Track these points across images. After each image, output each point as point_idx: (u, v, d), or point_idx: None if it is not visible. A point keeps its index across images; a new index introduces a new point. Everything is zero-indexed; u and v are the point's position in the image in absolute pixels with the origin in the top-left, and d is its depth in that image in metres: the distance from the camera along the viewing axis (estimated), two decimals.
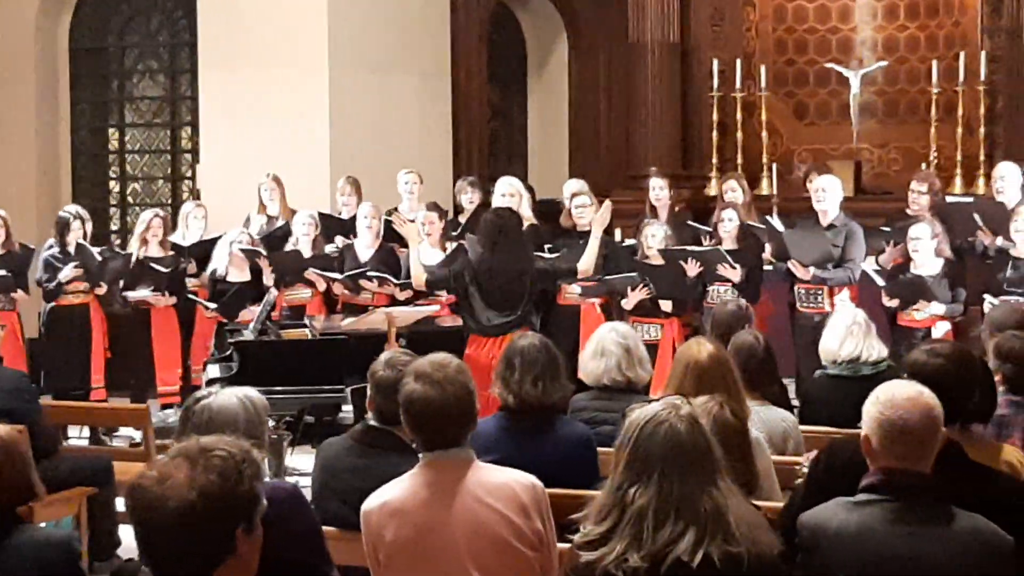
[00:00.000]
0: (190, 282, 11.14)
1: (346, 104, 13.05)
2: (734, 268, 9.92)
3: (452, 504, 4.05)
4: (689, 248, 10.20)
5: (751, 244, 10.34)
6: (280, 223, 11.36)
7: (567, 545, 3.67)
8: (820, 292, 9.99)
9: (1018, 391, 5.95)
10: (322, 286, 10.76)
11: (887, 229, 10.57)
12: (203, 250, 11.18)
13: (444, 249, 10.54)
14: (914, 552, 3.69)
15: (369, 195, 11.43)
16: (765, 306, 10.56)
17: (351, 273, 10.53)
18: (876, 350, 6.93)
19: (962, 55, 13.49)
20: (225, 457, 2.62)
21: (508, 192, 10.70)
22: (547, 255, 9.71)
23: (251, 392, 4.31)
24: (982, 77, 13.40)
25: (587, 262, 8.88)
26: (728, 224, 10.25)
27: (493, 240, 8.67)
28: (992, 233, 10.02)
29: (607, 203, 9.13)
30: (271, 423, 8.47)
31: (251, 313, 10.00)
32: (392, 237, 10.93)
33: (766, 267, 10.48)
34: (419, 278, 8.89)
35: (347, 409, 10.23)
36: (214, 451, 2.62)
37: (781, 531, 3.91)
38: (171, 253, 11.03)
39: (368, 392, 5.06)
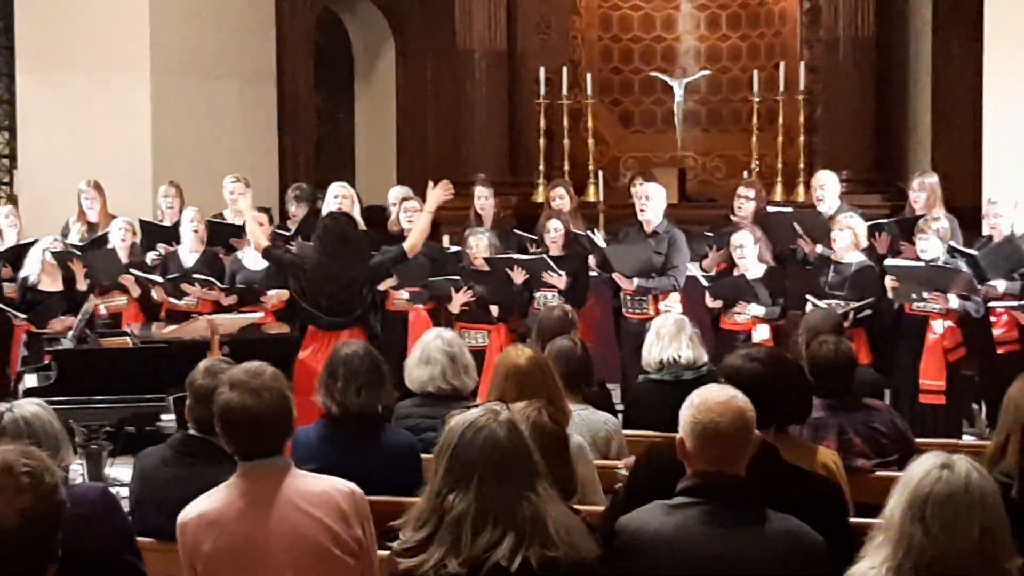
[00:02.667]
0: (6, 287, 10.85)
1: (169, 109, 12.87)
2: (559, 275, 10.00)
3: (270, 513, 4.00)
4: (514, 256, 10.25)
5: (577, 251, 10.44)
6: (100, 231, 11.14)
7: (387, 552, 3.66)
8: (645, 298, 10.11)
9: (824, 394, 6.08)
10: (136, 292, 10.57)
11: (710, 234, 10.73)
12: (16, 255, 10.90)
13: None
14: (729, 553, 3.75)
15: (193, 202, 11.27)
16: (592, 312, 10.67)
17: (172, 277, 10.38)
18: (688, 353, 7.01)
19: (782, 65, 13.76)
20: (32, 472, 2.63)
21: (341, 195, 10.65)
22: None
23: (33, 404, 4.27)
24: (801, 87, 13.67)
25: (413, 239, 9.00)
26: (554, 232, 10.34)
27: (333, 246, 8.68)
28: (812, 241, 10.24)
29: (445, 181, 9.18)
30: (85, 432, 8.34)
31: (62, 323, 9.80)
32: (217, 242, 10.81)
33: (592, 273, 10.58)
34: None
35: (168, 418, 10.06)
36: (16, 469, 2.64)
37: (601, 534, 3.95)
38: None
39: (187, 401, 4.99)
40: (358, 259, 8.85)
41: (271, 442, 4.07)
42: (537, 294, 10.08)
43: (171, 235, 11.02)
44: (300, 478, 4.12)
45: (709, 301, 9.83)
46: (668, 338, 7.07)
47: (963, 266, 9.35)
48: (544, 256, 10.14)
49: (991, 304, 9.36)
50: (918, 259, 9.42)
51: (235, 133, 13.48)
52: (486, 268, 10.09)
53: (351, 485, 4.16)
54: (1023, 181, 10.23)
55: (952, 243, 9.73)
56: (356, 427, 5.64)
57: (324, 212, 10.55)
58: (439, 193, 9.17)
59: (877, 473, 5.83)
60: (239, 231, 10.61)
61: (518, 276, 9.97)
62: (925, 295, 9.16)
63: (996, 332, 9.62)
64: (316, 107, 15.47)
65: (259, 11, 14.00)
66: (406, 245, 8.94)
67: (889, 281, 9.31)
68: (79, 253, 10.57)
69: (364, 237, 9.44)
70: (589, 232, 11.00)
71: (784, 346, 8.93)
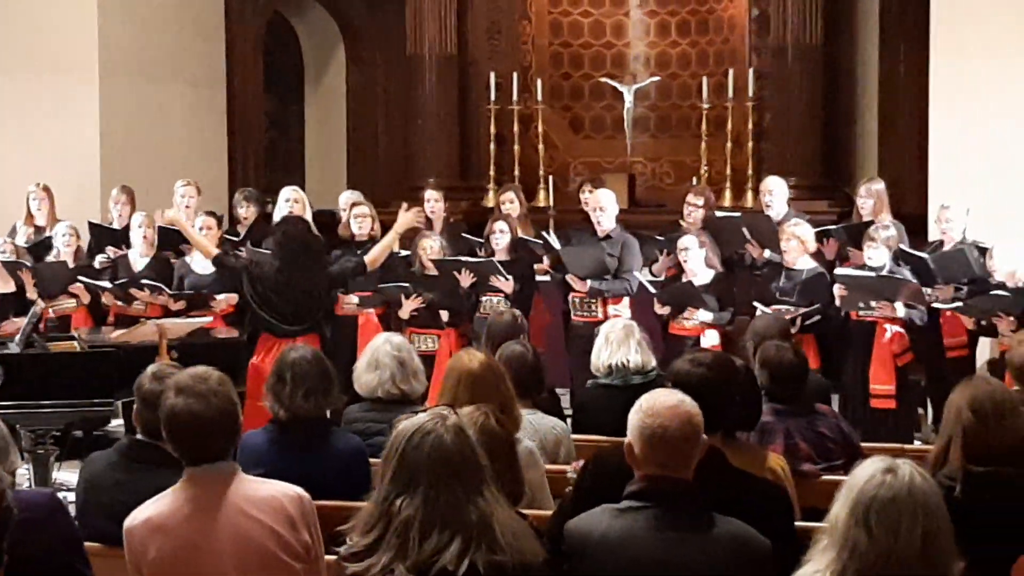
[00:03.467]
0: None
1: (118, 112, 12.80)
2: (507, 279, 10.00)
3: (217, 518, 3.99)
4: (462, 259, 10.25)
5: (524, 256, 10.46)
6: (48, 233, 11.06)
7: (334, 557, 3.66)
8: (593, 301, 10.13)
9: (776, 399, 6.12)
10: (86, 299, 10.51)
11: (661, 239, 10.77)
12: None
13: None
14: (675, 557, 3.77)
15: (142, 206, 11.21)
16: (542, 316, 10.69)
17: (120, 281, 10.32)
18: (637, 358, 7.03)
19: (731, 72, 13.83)
20: None
21: (293, 198, 10.63)
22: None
23: None
24: (750, 93, 13.73)
25: (376, 254, 9.12)
26: (500, 236, 10.35)
27: (295, 253, 8.71)
28: (760, 246, 10.29)
29: (418, 208, 9.49)
30: (33, 436, 8.28)
31: (13, 324, 9.73)
32: (167, 246, 10.76)
33: (543, 278, 10.59)
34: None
35: (117, 423, 10.00)
36: None
37: (549, 539, 3.96)
38: None
39: (134, 406, 4.97)
40: (319, 266, 8.87)
41: (218, 447, 4.06)
42: (484, 298, 10.09)
43: (120, 238, 10.96)
44: (247, 483, 4.11)
45: (658, 306, 9.86)
46: (617, 343, 7.09)
47: (908, 273, 9.43)
48: (493, 259, 10.15)
49: (936, 305, 9.43)
50: (865, 265, 9.49)
51: (184, 137, 13.42)
52: (435, 272, 10.09)
53: (298, 490, 4.16)
54: (968, 188, 10.31)
55: (903, 247, 9.82)
56: (304, 432, 5.62)
57: (276, 216, 10.54)
58: (410, 217, 9.39)
59: (823, 477, 5.87)
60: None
61: (466, 279, 9.97)
62: (873, 303, 9.24)
63: (945, 338, 9.72)
64: (266, 111, 15.42)
65: (209, 14, 13.94)
66: (367, 259, 9.02)
67: (838, 290, 9.38)
68: (28, 264, 10.49)
69: (323, 244, 9.46)
70: (544, 233, 11.03)
71: (733, 351, 8.99)
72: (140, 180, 11.77)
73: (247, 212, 11.37)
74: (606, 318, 9.43)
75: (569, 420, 7.08)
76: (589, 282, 10.07)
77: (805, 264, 9.66)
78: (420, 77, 14.38)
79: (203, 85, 13.83)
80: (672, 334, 9.82)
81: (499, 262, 10.10)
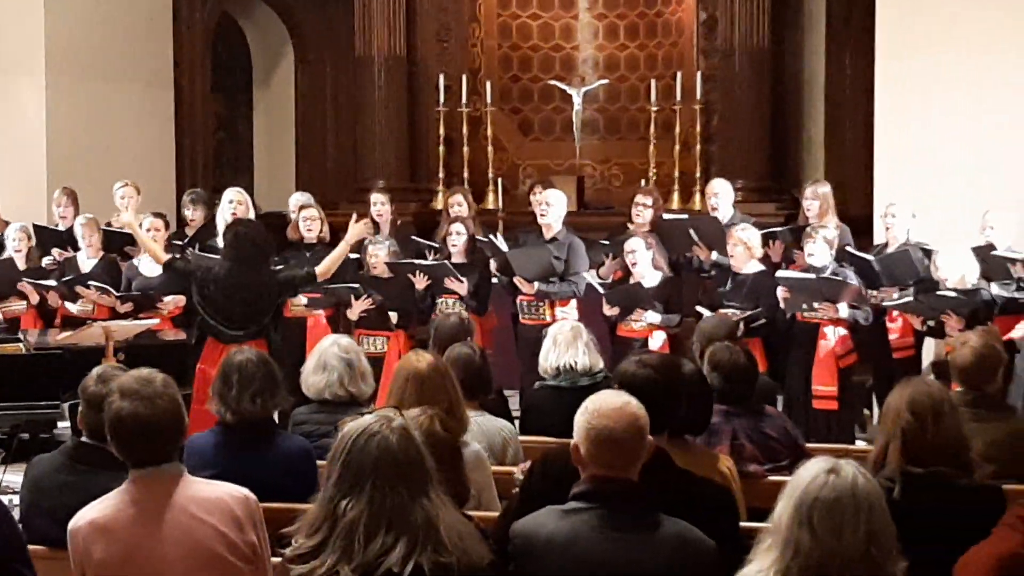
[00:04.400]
0: None
1: (64, 113, 12.71)
2: (461, 281, 10.01)
3: (163, 520, 3.98)
4: (416, 261, 10.24)
5: (479, 258, 10.46)
6: None
7: (280, 559, 3.65)
8: (542, 304, 10.14)
9: (726, 400, 6.15)
10: (35, 299, 10.45)
11: (607, 243, 10.80)
12: None
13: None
14: (621, 558, 3.79)
15: (90, 207, 11.15)
16: (490, 318, 10.69)
17: (67, 279, 10.27)
18: (586, 359, 7.06)
19: (679, 75, 13.88)
20: None
21: (236, 200, 10.58)
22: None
23: None
24: (698, 96, 13.79)
25: (327, 265, 9.09)
26: (457, 238, 10.35)
27: (246, 254, 8.68)
28: (707, 249, 10.34)
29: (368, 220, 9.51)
30: None
31: None
32: (113, 248, 10.71)
33: (492, 280, 10.60)
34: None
35: (64, 425, 9.94)
36: None
37: (496, 540, 3.97)
38: None
39: (79, 408, 4.94)
40: (269, 268, 8.87)
41: (163, 449, 4.05)
42: (439, 300, 10.08)
43: (65, 239, 10.90)
44: (193, 484, 4.10)
45: (606, 309, 9.89)
46: (565, 345, 7.11)
47: (851, 274, 9.50)
48: (446, 262, 10.16)
49: (887, 303, 9.50)
50: (809, 266, 9.56)
51: (132, 138, 13.35)
52: (387, 275, 10.08)
53: (245, 491, 4.15)
54: (914, 190, 10.39)
55: (849, 248, 9.88)
56: (251, 434, 5.61)
57: (219, 218, 10.48)
58: (360, 228, 9.41)
59: (769, 478, 5.90)
60: (133, 238, 10.53)
61: (420, 282, 9.97)
62: (816, 305, 9.30)
63: (892, 338, 9.80)
64: (214, 112, 15.36)
65: (156, 16, 13.86)
66: (318, 269, 9.03)
67: (781, 292, 9.43)
68: None
69: (274, 247, 9.48)
70: (491, 236, 11.03)
71: (680, 353, 9.03)
72: (87, 181, 11.70)
73: (195, 214, 11.33)
74: (554, 320, 9.43)
75: (517, 422, 7.10)
76: (537, 284, 10.09)
77: (752, 268, 9.71)
78: (369, 79, 14.35)
79: (151, 86, 13.76)
80: (620, 336, 9.86)
81: (456, 264, 10.11)
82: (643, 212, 10.73)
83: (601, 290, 10.12)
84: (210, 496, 4.08)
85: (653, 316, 9.67)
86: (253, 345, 8.04)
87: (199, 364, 8.66)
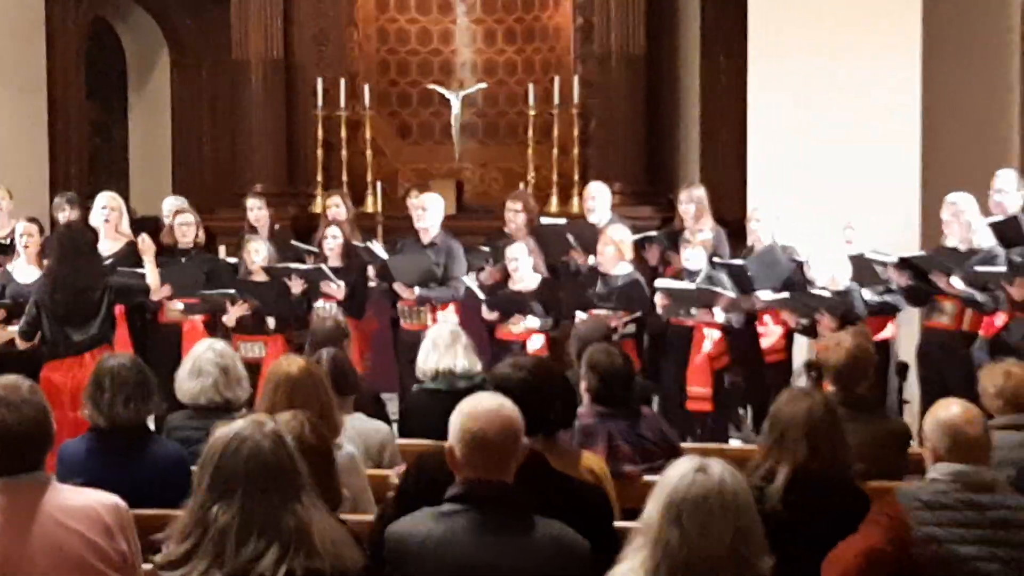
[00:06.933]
0: None
1: None
2: (338, 285, 9.98)
3: (30, 529, 3.91)
4: (292, 265, 10.20)
5: (355, 261, 10.43)
6: None
7: (150, 566, 3.62)
8: (423, 309, 10.15)
9: (604, 402, 6.19)
10: None
11: (486, 249, 10.83)
12: None
13: (40, 265, 10.19)
14: (495, 560, 3.81)
15: None
16: (369, 322, 10.68)
17: None
18: (464, 362, 7.10)
19: (557, 79, 13.92)
20: None
21: (110, 206, 10.47)
22: (135, 270, 9.62)
23: None
24: (576, 101, 13.86)
25: (152, 279, 9.37)
26: (332, 241, 10.33)
27: (64, 255, 8.68)
28: (584, 253, 10.41)
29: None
30: None
31: None
32: None
33: (371, 284, 10.58)
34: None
35: None
36: None
37: (370, 544, 3.97)
38: None
39: None
40: (93, 270, 8.85)
41: (31, 457, 3.97)
42: (316, 304, 10.05)
43: None
44: (61, 492, 4.03)
45: (486, 313, 9.93)
46: (444, 348, 7.15)
47: (726, 281, 9.62)
48: (322, 266, 10.12)
49: (764, 299, 9.62)
50: (684, 270, 9.66)
51: (4, 143, 13.12)
52: (263, 279, 10.02)
53: (115, 498, 4.10)
54: (787, 192, 10.54)
55: (716, 258, 9.99)
56: (124, 439, 5.57)
57: (92, 223, 10.35)
58: (147, 244, 9.61)
59: (644, 478, 5.96)
60: (4, 246, 10.39)
61: (296, 286, 9.93)
62: (693, 311, 9.42)
63: (764, 342, 9.92)
64: (89, 117, 15.16)
65: (27, 19, 13.64)
66: (151, 284, 9.18)
67: (659, 299, 9.53)
68: None
69: (124, 247, 9.70)
70: (368, 243, 11.00)
71: (558, 355, 9.09)
72: None
73: (69, 216, 11.16)
74: (435, 324, 9.44)
75: (395, 425, 7.10)
76: (417, 290, 10.09)
77: (622, 270, 9.80)
78: (246, 82, 14.23)
79: (23, 91, 13.54)
80: (499, 339, 9.90)
81: (332, 268, 10.08)
82: (515, 217, 10.78)
83: (481, 295, 10.14)
84: (79, 504, 4.02)
85: (532, 320, 9.73)
86: (94, 356, 7.99)
87: (41, 371, 8.57)
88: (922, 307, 9.52)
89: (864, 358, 6.46)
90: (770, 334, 9.90)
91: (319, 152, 14.21)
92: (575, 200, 13.46)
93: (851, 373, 6.38)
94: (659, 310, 9.53)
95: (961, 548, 4.23)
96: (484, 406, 3.94)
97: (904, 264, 9.27)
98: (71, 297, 8.69)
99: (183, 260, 10.22)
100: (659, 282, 9.80)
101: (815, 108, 10.60)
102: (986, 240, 9.15)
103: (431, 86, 14.69)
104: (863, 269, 9.41)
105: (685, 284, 9.55)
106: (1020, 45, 11.15)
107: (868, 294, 9.38)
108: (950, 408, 4.53)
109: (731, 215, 11.52)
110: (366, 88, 14.23)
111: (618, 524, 4.58)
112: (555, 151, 13.92)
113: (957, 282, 8.95)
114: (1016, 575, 4.22)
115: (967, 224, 9.15)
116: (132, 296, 9.41)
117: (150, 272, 9.44)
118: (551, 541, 3.89)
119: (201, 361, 6.28)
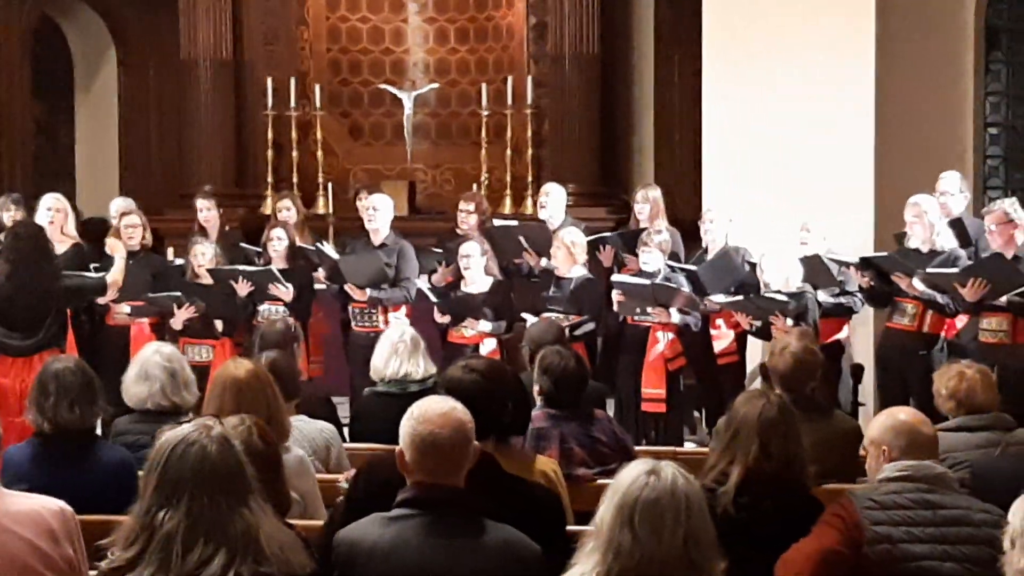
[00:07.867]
0: None
1: None
2: (286, 288, 9.91)
3: None
4: (239, 268, 10.12)
5: (301, 263, 10.36)
6: None
7: (96, 572, 3.56)
8: (374, 311, 10.09)
9: (556, 404, 6.16)
10: None
11: (439, 250, 10.78)
12: None
13: None
14: (447, 564, 3.77)
15: None
16: (321, 325, 10.63)
17: None
18: (422, 367, 7.09)
19: (510, 79, 13.90)
20: None
21: (55, 207, 10.34)
22: (81, 272, 9.51)
23: None
24: (529, 101, 13.84)
25: (114, 275, 9.11)
26: (278, 244, 10.26)
27: (27, 256, 8.52)
28: (537, 255, 10.37)
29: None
30: None
31: None
32: None
33: (321, 286, 10.50)
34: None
35: None
36: None
37: (320, 549, 3.92)
38: None
39: None
40: (52, 270, 8.73)
41: None
42: (262, 307, 9.97)
43: None
44: (6, 497, 3.98)
45: (438, 316, 9.88)
46: (407, 354, 7.13)
47: (684, 281, 9.61)
48: (271, 268, 10.04)
49: (719, 301, 9.61)
50: (641, 271, 9.64)
51: None
52: (210, 281, 9.94)
53: (61, 503, 4.05)
54: (740, 195, 10.53)
55: (670, 263, 9.97)
56: (70, 444, 5.51)
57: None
58: (116, 243, 9.54)
59: (597, 481, 5.92)
60: None
61: (243, 288, 9.85)
62: (649, 309, 9.39)
63: (716, 344, 9.92)
64: (34, 117, 15.01)
65: None
66: (109, 280, 8.95)
67: (615, 295, 9.51)
68: None
69: (71, 250, 9.56)
70: (319, 243, 10.93)
71: (511, 358, 9.06)
72: None
73: (14, 217, 11.02)
74: (387, 326, 9.38)
75: (347, 428, 7.04)
76: (368, 291, 10.03)
77: (575, 272, 9.77)
78: (194, 82, 14.12)
79: None
80: (451, 342, 9.85)
81: (278, 270, 10.00)
82: (467, 218, 10.75)
83: (433, 298, 10.09)
84: (24, 509, 3.97)
85: (485, 324, 9.70)
86: (43, 358, 7.88)
87: None
88: (883, 308, 9.52)
89: (809, 361, 6.48)
90: (723, 337, 9.89)
91: (269, 153, 14.14)
92: (528, 201, 13.45)
93: (797, 376, 6.41)
94: (615, 307, 9.51)
95: (914, 547, 4.23)
96: (434, 409, 3.91)
97: (866, 265, 9.28)
98: (32, 299, 8.55)
99: (130, 262, 10.11)
100: (615, 277, 9.79)
101: (770, 109, 10.60)
102: (948, 242, 9.17)
103: (383, 86, 14.63)
104: (817, 271, 9.41)
105: (641, 280, 9.53)
106: (974, 47, 11.20)
107: (823, 296, 9.39)
108: (899, 414, 4.64)
109: (685, 216, 11.53)
110: (316, 88, 14.18)
111: (570, 528, 4.54)
112: (508, 152, 13.91)
113: (919, 284, 8.96)
114: (969, 574, 4.21)
115: (930, 226, 9.16)
116: (84, 296, 9.27)
117: (119, 271, 9.24)
118: (502, 545, 3.86)
119: (148, 365, 6.21)
